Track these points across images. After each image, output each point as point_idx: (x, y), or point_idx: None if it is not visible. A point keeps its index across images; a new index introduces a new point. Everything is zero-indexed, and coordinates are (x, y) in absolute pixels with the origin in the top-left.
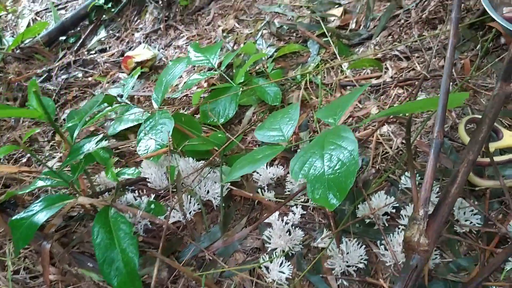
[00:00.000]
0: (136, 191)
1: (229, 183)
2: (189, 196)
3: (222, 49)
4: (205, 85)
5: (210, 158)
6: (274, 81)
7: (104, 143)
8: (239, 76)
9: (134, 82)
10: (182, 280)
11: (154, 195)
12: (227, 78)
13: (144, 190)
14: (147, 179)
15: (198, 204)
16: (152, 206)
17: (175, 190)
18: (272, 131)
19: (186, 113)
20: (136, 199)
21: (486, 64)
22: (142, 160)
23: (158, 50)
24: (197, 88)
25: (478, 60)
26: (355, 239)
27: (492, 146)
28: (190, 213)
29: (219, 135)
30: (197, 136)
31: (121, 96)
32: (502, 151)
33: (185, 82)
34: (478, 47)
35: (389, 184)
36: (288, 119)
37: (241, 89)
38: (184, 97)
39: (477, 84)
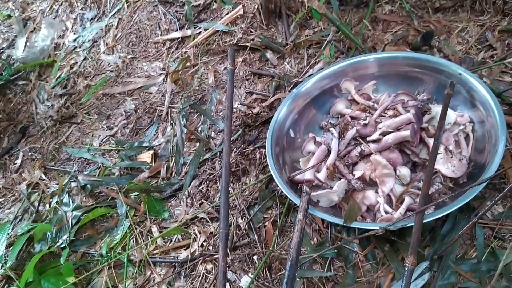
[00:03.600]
0: None
1: None
2: None
3: (26, 211)
4: None
5: None
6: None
7: None
8: (27, 275)
9: None
10: None
11: None
12: (13, 277)
13: None
14: None
15: None
16: None
17: None
18: None
19: None
20: None
21: (290, 224)
22: None
23: None
24: None
25: (281, 220)
26: None
27: None
28: None
29: None
30: None
31: None
32: None
33: None
34: (279, 205)
35: None
36: None
37: None
38: None
39: (281, 257)
